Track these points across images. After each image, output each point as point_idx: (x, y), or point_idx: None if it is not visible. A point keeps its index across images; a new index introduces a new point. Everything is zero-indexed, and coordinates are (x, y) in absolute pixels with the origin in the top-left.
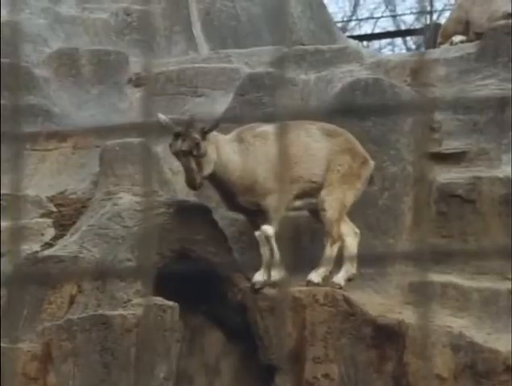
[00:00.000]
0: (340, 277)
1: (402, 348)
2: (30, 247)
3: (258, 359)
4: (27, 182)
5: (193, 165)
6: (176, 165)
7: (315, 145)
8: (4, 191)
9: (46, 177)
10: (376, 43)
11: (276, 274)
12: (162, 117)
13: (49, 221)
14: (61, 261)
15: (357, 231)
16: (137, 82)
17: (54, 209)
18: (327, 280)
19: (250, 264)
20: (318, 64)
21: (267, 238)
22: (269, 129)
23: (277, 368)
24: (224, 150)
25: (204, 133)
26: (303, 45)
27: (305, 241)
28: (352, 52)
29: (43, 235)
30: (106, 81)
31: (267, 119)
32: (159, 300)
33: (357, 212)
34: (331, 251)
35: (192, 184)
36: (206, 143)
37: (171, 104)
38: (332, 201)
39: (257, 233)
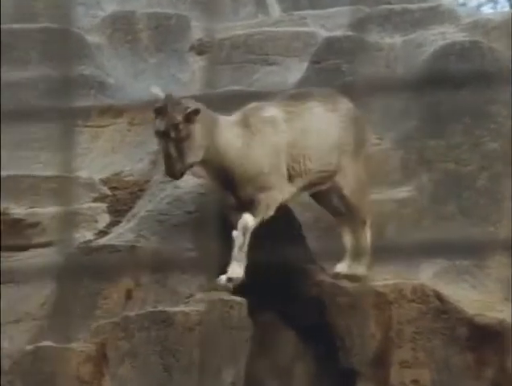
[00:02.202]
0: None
1: (503, 351)
2: (83, 235)
3: (337, 362)
4: (79, 163)
5: (171, 150)
6: None
7: (325, 130)
8: (53, 173)
9: (99, 157)
10: (474, 0)
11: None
12: (154, 89)
13: (103, 206)
14: (117, 251)
15: None
16: (199, 49)
17: (108, 193)
18: (372, 267)
19: (328, 255)
20: (406, 26)
21: (244, 228)
22: (278, 113)
23: (359, 373)
24: (223, 134)
25: (188, 114)
26: (389, 4)
27: (391, 229)
28: (445, 11)
29: (96, 221)
30: (166, 48)
31: (346, 89)
32: (225, 295)
33: (450, 195)
34: (368, 236)
35: (170, 172)
36: (193, 126)
37: (237, 74)
38: (349, 184)
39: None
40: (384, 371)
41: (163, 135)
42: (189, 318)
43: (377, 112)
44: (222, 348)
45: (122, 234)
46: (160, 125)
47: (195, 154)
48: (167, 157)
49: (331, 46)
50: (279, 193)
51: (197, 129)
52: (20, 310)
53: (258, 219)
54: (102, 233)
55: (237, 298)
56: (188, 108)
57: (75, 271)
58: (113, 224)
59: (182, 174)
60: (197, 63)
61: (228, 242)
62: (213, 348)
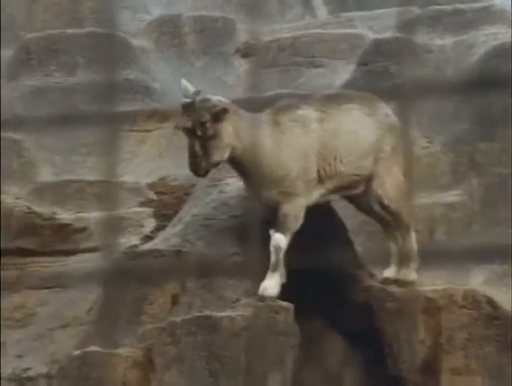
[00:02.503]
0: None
1: None
2: (129, 240)
3: (385, 368)
4: (125, 168)
5: (197, 147)
6: None
7: (361, 134)
8: (99, 178)
9: (145, 161)
10: None
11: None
12: (184, 82)
13: (149, 211)
14: (162, 256)
15: None
16: (245, 52)
17: (154, 197)
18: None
19: (375, 259)
20: (456, 27)
21: (277, 249)
22: (311, 113)
23: (408, 380)
24: (252, 134)
25: (217, 113)
26: (439, 4)
27: (440, 233)
28: (497, 11)
29: (142, 226)
30: (211, 51)
31: (395, 92)
32: (272, 300)
33: (501, 199)
34: (413, 239)
35: (194, 169)
36: (221, 125)
37: (283, 77)
38: (388, 192)
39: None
40: (434, 378)
41: (189, 132)
42: (235, 324)
43: (426, 114)
44: (268, 354)
45: (168, 239)
46: (187, 121)
47: (221, 153)
48: (193, 154)
49: (379, 48)
50: (305, 199)
51: (225, 128)
52: (67, 314)
53: (289, 236)
54: (148, 238)
55: (284, 304)
56: (217, 106)
57: (121, 276)
58: (158, 229)
59: (206, 172)
60: (242, 66)
61: None
62: (260, 354)
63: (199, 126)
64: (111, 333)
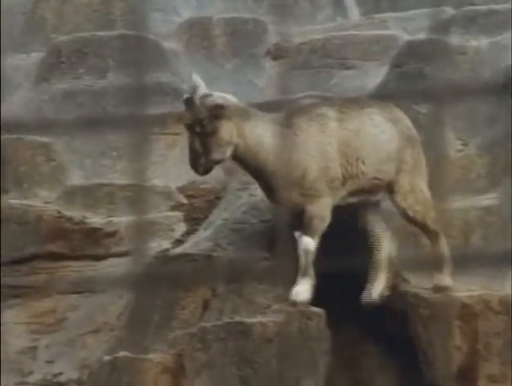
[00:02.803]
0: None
1: None
2: (159, 244)
3: (420, 375)
4: (155, 171)
5: (197, 144)
6: None
7: (383, 138)
8: (129, 182)
9: (176, 165)
10: None
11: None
12: (195, 76)
13: (180, 215)
14: (193, 260)
15: None
16: (276, 54)
17: (185, 201)
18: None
19: (408, 265)
20: (492, 28)
21: (306, 252)
22: (328, 113)
23: None
24: (256, 133)
25: (214, 110)
26: (474, 5)
27: (476, 238)
28: None
29: (173, 230)
30: (242, 54)
31: (429, 95)
32: (303, 305)
33: None
34: (444, 245)
35: (194, 167)
36: (220, 122)
37: (315, 79)
38: (412, 205)
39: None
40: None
41: (189, 128)
42: (267, 329)
43: (461, 117)
44: (301, 360)
45: (199, 243)
46: (187, 118)
47: (221, 151)
48: (192, 151)
49: (412, 49)
50: (330, 198)
51: (225, 126)
52: (98, 319)
53: (317, 238)
54: (179, 242)
55: (316, 309)
56: (215, 101)
57: (151, 281)
58: (189, 233)
59: (207, 170)
60: (273, 68)
61: None
62: (291, 360)
63: (197, 123)
64: (141, 338)
